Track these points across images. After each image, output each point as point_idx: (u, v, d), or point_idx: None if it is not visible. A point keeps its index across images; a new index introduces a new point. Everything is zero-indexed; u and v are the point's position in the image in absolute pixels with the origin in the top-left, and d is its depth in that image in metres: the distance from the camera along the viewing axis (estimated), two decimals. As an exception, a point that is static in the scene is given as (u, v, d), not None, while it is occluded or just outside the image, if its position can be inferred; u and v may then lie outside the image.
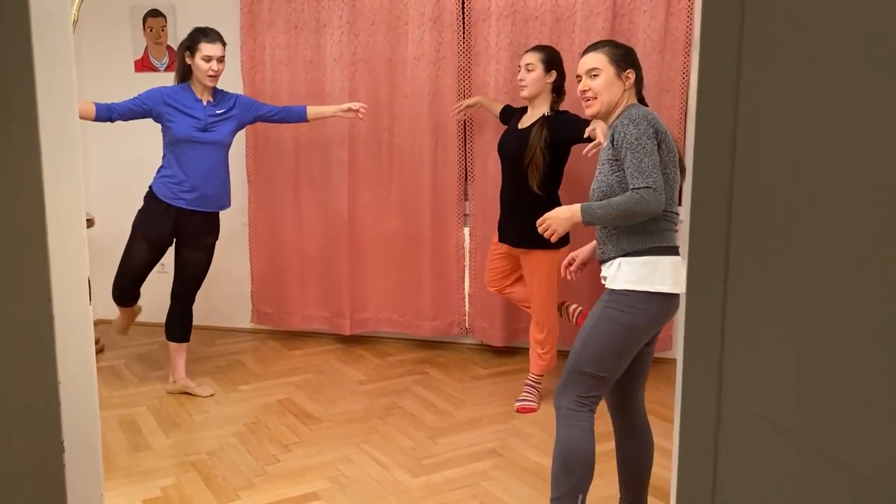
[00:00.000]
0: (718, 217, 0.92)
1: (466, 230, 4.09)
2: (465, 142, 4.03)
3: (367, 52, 4.02)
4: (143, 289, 3.64)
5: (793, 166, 0.82)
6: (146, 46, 4.41)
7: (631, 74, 2.23)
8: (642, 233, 2.12)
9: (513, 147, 3.38)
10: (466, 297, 4.14)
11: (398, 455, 2.99)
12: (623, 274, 2.12)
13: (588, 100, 2.26)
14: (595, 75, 2.24)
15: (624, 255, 2.13)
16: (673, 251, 2.14)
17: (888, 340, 0.74)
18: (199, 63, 3.36)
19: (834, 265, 0.79)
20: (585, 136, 2.97)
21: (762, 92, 0.86)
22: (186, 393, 3.60)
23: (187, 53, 3.40)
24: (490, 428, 3.25)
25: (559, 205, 3.38)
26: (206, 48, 3.35)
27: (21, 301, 1.03)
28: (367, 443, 3.10)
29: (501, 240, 3.53)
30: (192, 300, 3.61)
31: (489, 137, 3.92)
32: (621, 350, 2.13)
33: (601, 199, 2.15)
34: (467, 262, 4.12)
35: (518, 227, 3.39)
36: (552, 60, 3.32)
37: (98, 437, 1.14)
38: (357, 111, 3.69)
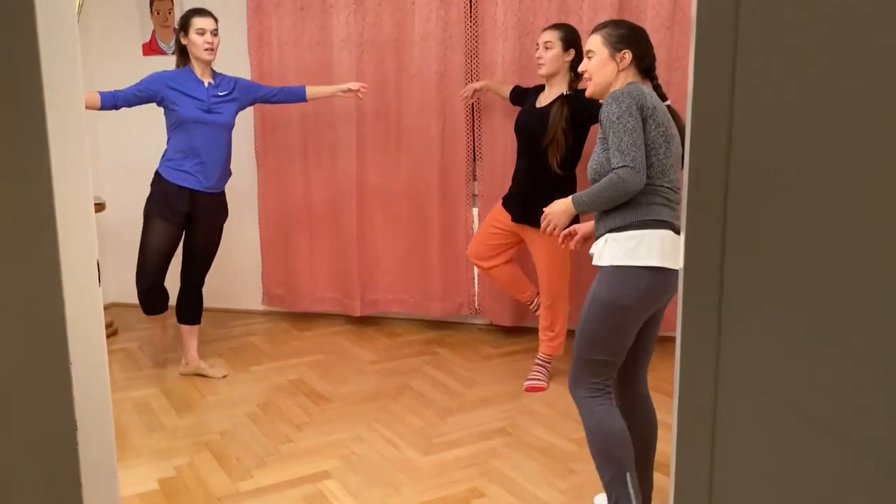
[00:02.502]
0: (715, 192, 0.92)
1: (475, 210, 4.09)
2: (473, 122, 4.02)
3: (374, 33, 4.00)
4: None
5: (790, 143, 0.82)
6: (153, 30, 4.41)
7: (626, 55, 2.24)
8: (627, 207, 2.12)
9: (532, 126, 3.36)
10: (476, 277, 4.15)
11: (408, 434, 3.02)
12: (609, 250, 2.13)
13: (587, 80, 2.32)
14: (590, 57, 2.29)
15: (610, 231, 2.14)
16: (662, 225, 2.13)
17: (882, 313, 0.74)
18: (193, 38, 3.37)
19: (830, 242, 0.79)
20: None
21: (758, 67, 0.86)
22: (199, 375, 3.64)
23: (182, 34, 3.41)
24: (499, 407, 3.28)
25: (575, 184, 3.39)
26: (198, 22, 3.36)
27: (31, 283, 1.05)
28: (377, 422, 3.13)
29: (515, 219, 3.50)
30: (202, 282, 3.64)
31: (497, 118, 3.90)
32: (615, 330, 2.13)
33: (595, 178, 2.18)
34: (476, 243, 4.12)
35: (532, 207, 3.39)
36: (571, 39, 3.29)
37: (110, 416, 1.16)
38: (356, 91, 3.69)
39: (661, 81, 3.84)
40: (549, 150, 3.29)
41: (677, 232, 2.16)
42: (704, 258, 0.95)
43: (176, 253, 3.75)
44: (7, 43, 1.03)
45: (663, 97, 2.31)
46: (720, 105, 0.91)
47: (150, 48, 4.44)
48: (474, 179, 4.10)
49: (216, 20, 3.43)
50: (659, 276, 2.11)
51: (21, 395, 1.03)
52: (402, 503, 2.51)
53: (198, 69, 3.44)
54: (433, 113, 3.98)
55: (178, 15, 4.34)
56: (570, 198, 2.25)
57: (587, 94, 2.34)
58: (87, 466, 1.09)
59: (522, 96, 3.60)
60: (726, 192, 0.92)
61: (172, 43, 4.40)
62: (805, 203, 0.81)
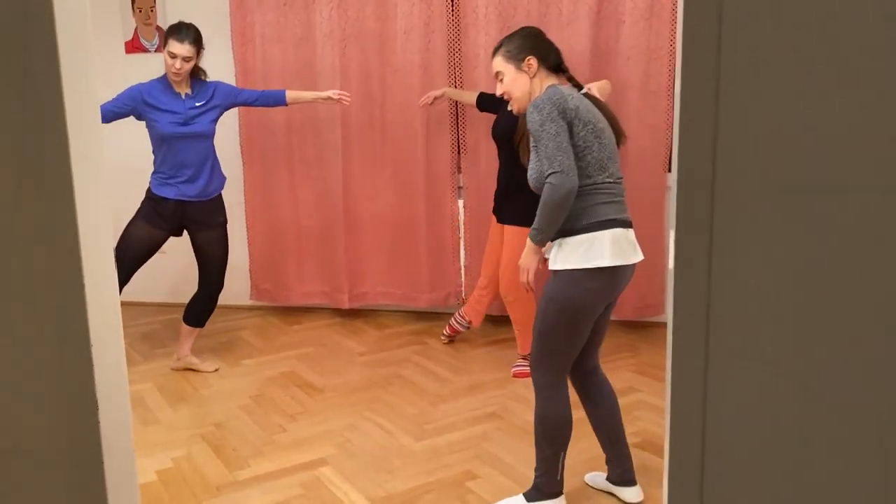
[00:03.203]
0: (704, 173, 0.98)
1: (460, 202, 4.15)
2: (458, 116, 4.07)
3: (357, 28, 4.04)
4: (144, 270, 3.59)
5: (779, 130, 0.88)
6: (135, 28, 4.41)
7: (532, 61, 2.29)
8: (576, 211, 2.15)
9: (503, 128, 3.41)
10: (462, 268, 4.21)
11: (401, 421, 3.07)
12: (562, 254, 2.17)
13: (509, 101, 2.37)
14: (501, 79, 2.35)
15: (562, 236, 2.18)
16: (610, 224, 2.15)
17: (870, 283, 0.81)
18: (165, 57, 3.36)
19: (817, 214, 0.85)
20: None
21: (743, 59, 0.92)
22: (191, 369, 3.67)
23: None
24: (489, 393, 3.34)
25: None
26: (172, 45, 3.32)
27: (55, 271, 1.10)
28: (370, 411, 3.18)
29: (499, 220, 3.56)
30: (220, 286, 3.61)
31: (481, 112, 3.96)
32: (571, 327, 2.19)
33: (536, 185, 2.18)
34: (462, 234, 4.18)
35: (506, 204, 3.46)
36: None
37: (126, 395, 1.21)
38: (338, 100, 3.70)
39: (640, 73, 3.91)
40: (520, 147, 3.35)
41: (625, 226, 2.20)
42: (694, 242, 1.01)
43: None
44: (26, 45, 1.07)
45: (579, 86, 2.35)
46: (707, 92, 0.97)
47: (133, 46, 4.43)
48: (459, 171, 4.15)
49: (195, 46, 3.35)
50: (611, 274, 2.16)
51: (46, 376, 1.08)
52: (398, 487, 2.57)
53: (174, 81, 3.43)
54: (417, 107, 4.03)
55: (160, 12, 4.34)
56: (527, 238, 2.23)
57: (514, 113, 2.38)
58: (107, 445, 1.13)
59: (494, 103, 3.60)
60: (714, 173, 0.98)
61: (155, 40, 4.40)
62: (794, 180, 0.88)
